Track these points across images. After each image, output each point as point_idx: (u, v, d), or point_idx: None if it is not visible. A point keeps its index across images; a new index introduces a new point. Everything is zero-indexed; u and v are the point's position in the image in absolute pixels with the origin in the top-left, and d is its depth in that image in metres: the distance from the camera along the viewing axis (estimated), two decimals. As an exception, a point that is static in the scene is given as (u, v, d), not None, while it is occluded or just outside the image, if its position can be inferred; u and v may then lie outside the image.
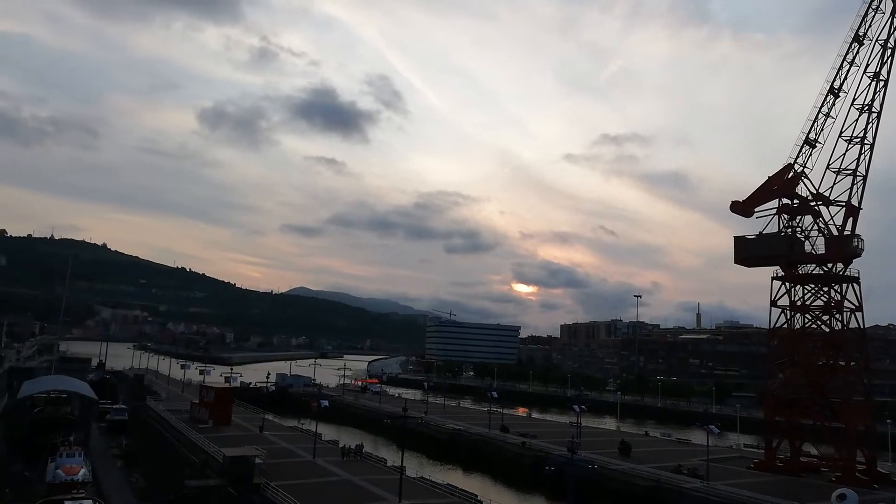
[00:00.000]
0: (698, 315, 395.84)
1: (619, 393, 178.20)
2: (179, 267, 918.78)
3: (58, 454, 60.78)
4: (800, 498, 58.84)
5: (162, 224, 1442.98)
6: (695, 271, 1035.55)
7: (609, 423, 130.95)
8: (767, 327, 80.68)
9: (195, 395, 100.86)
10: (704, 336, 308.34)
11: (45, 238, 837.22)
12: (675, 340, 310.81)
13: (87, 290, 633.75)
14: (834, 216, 75.03)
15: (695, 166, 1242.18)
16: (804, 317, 76.53)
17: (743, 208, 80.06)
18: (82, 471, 57.76)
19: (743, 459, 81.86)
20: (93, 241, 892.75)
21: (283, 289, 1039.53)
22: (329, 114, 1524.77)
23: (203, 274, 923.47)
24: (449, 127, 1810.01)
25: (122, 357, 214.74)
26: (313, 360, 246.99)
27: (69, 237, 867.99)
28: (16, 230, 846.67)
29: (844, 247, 73.20)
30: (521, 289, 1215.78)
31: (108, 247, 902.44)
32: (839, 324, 74.00)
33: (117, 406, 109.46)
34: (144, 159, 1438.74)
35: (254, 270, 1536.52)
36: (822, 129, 75.95)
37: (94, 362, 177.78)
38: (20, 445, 79.25)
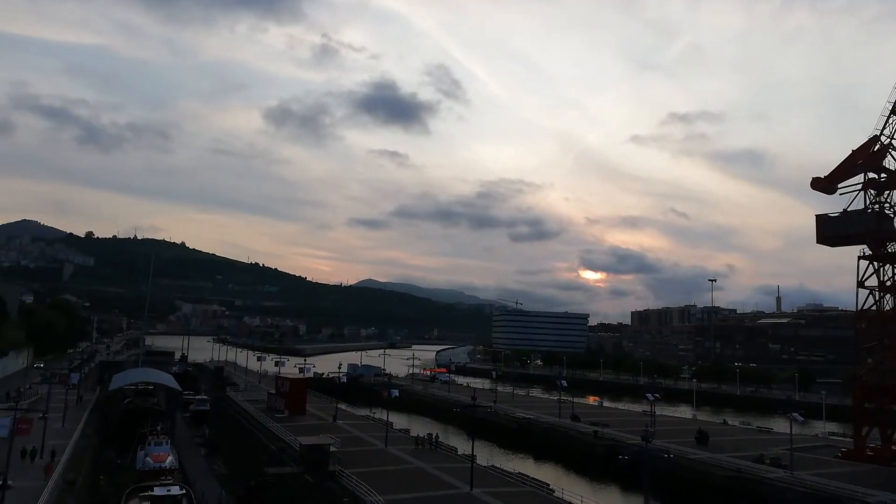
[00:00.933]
0: (778, 298, 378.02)
1: (694, 380, 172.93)
2: (253, 263, 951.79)
3: (146, 443, 64.13)
4: (892, 488, 55.60)
5: (235, 221, 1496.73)
6: (773, 253, 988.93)
7: (684, 412, 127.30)
8: (854, 310, 76.31)
9: (271, 385, 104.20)
10: (785, 320, 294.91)
11: (129, 238, 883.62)
12: (754, 325, 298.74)
13: (168, 287, 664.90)
14: (927, 190, 70.06)
15: (771, 143, 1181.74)
16: (895, 298, 72.01)
17: (825, 184, 75.79)
18: (169, 458, 60.72)
19: (829, 448, 77.99)
20: (172, 241, 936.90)
21: (352, 281, 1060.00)
22: (390, 106, 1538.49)
23: (275, 269, 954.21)
24: (510, 114, 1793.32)
25: (202, 350, 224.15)
26: (382, 350, 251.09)
27: (150, 237, 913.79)
28: (102, 232, 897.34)
29: (939, 222, 68.30)
30: (589, 276, 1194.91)
31: (187, 245, 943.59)
32: (935, 304, 69.21)
33: (199, 397, 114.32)
34: (215, 160, 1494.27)
35: (323, 264, 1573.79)
36: (911, 96, 70.85)
37: (177, 355, 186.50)
38: (112, 434, 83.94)
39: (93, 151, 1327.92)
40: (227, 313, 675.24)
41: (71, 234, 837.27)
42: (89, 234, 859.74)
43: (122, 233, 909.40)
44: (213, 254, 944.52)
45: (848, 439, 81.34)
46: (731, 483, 61.64)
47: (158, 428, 74.51)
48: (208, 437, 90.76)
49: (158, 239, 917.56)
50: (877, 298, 72.97)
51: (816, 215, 77.79)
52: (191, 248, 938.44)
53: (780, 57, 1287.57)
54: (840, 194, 75.69)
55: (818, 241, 77.57)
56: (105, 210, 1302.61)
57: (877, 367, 74.36)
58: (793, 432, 69.53)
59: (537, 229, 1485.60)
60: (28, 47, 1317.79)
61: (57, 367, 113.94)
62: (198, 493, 52.06)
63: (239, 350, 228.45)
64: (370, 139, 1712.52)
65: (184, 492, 46.04)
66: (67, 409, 72.92)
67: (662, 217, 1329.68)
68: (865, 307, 73.87)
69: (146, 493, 43.44)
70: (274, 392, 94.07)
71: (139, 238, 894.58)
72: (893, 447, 70.94)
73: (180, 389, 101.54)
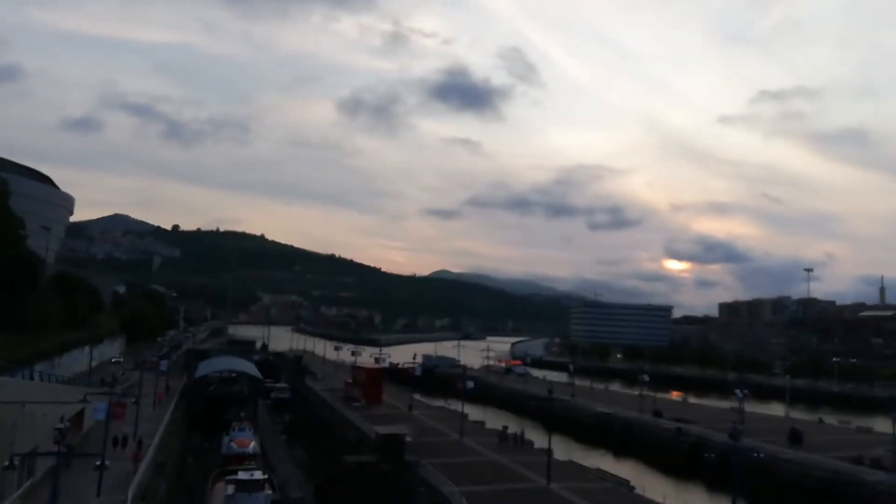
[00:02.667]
0: (882, 289, 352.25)
1: (787, 376, 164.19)
2: (329, 254, 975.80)
3: (231, 429, 66.23)
4: None
5: (312, 213, 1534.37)
6: (877, 240, 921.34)
7: (776, 409, 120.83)
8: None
9: (348, 374, 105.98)
10: (890, 312, 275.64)
11: (212, 231, 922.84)
12: (855, 318, 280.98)
13: (249, 278, 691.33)
14: None
15: (878, 120, 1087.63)
16: None
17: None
18: (252, 444, 62.48)
19: (940, 451, 71.88)
20: (252, 233, 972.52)
21: (425, 272, 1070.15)
22: (463, 93, 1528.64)
23: (350, 260, 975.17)
24: (587, 97, 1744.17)
25: (281, 339, 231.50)
26: (457, 341, 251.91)
27: (232, 229, 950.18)
28: (187, 225, 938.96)
29: None
30: (673, 265, 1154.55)
31: (266, 237, 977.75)
32: None
33: (280, 385, 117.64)
34: (292, 152, 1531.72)
35: (397, 255, 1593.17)
36: None
37: (258, 344, 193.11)
38: (198, 420, 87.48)
39: (176, 146, 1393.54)
40: (304, 304, 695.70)
41: (159, 227, 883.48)
42: (175, 226, 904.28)
43: (206, 225, 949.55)
44: (291, 245, 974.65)
45: (962, 442, 74.73)
46: (827, 485, 57.75)
47: (242, 414, 76.97)
48: (288, 424, 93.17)
49: (239, 231, 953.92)
50: None
51: (926, 199, 71.49)
52: (270, 239, 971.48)
53: (888, 27, 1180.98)
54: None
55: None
56: (189, 203, 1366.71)
57: None
58: (898, 433, 64.46)
59: (617, 217, 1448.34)
60: (117, 48, 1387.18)
61: (148, 356, 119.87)
62: (279, 478, 53.29)
63: (317, 339, 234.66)
64: (443, 127, 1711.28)
65: (266, 476, 47.09)
66: (158, 391, 76.29)
67: (753, 203, 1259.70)
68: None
69: (231, 477, 44.65)
70: (351, 381, 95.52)
71: (221, 230, 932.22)
72: None
73: (262, 377, 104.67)
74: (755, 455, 47.85)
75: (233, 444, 61.91)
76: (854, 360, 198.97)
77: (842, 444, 74.03)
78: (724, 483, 57.63)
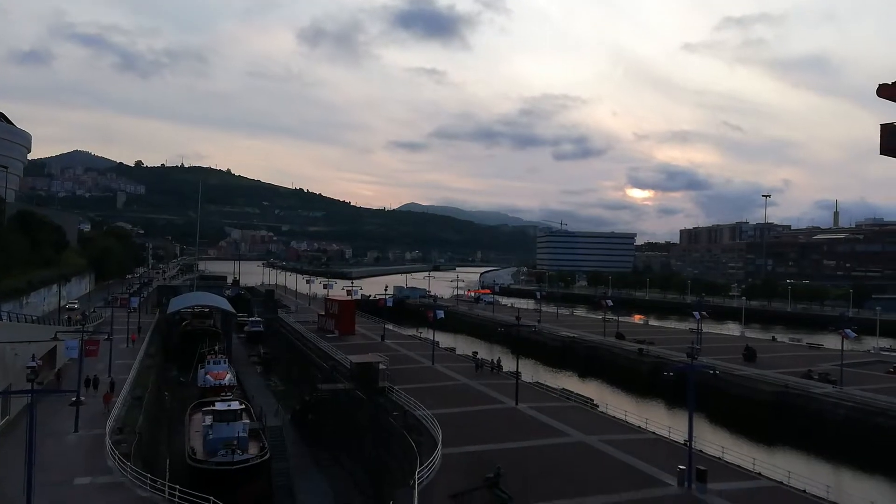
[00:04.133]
0: (836, 213, 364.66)
1: (743, 298, 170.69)
2: (297, 188, 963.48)
3: (206, 362, 67.29)
4: (949, 404, 54.70)
5: (278, 147, 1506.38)
6: (834, 166, 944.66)
7: (733, 330, 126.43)
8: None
9: (321, 307, 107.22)
10: (842, 236, 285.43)
11: (176, 166, 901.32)
12: (809, 241, 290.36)
13: (216, 214, 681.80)
14: None
15: (840, 46, 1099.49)
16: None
17: (892, 92, 70.95)
18: (228, 376, 63.74)
19: (882, 364, 76.82)
20: (218, 168, 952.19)
21: (395, 205, 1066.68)
22: (427, 21, 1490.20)
23: (319, 194, 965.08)
24: (553, 24, 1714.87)
25: (252, 274, 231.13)
26: (427, 273, 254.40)
27: (197, 164, 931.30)
28: (151, 161, 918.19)
29: None
30: (636, 194, 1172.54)
31: (232, 172, 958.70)
32: None
33: (253, 319, 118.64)
34: (253, 84, 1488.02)
35: (366, 188, 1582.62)
36: None
37: (230, 280, 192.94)
38: (173, 355, 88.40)
39: (132, 79, 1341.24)
40: (274, 238, 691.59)
41: (121, 163, 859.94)
42: (138, 162, 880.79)
43: (170, 161, 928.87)
44: (258, 180, 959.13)
45: (902, 355, 79.82)
46: (779, 398, 61.64)
47: (216, 348, 77.94)
48: (263, 356, 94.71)
49: (204, 166, 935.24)
50: (942, 211, 69.57)
51: (881, 125, 73.03)
52: (236, 174, 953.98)
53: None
54: (908, 101, 70.98)
55: (881, 153, 72.69)
56: (151, 139, 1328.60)
57: (938, 282, 71.81)
58: (844, 348, 68.54)
59: (583, 147, 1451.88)
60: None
61: (117, 292, 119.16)
62: (256, 408, 54.80)
63: (288, 274, 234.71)
64: (407, 57, 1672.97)
65: (243, 406, 48.40)
66: (130, 332, 76.64)
67: (715, 131, 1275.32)
68: (929, 220, 70.63)
69: (209, 408, 45.78)
70: (324, 313, 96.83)
71: (186, 166, 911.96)
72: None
73: (235, 312, 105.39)
74: (711, 372, 50.57)
75: (208, 376, 63.06)
76: (807, 282, 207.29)
77: (793, 361, 78.35)
78: (681, 399, 61.07)
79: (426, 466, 33.05)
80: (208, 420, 43.26)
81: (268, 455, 41.20)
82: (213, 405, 45.28)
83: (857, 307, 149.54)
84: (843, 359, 66.63)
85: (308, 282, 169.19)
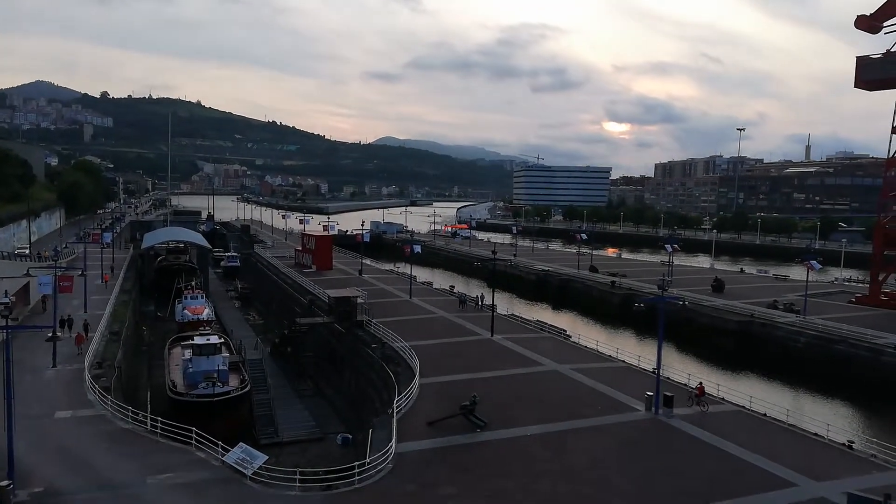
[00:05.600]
0: (808, 147, 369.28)
1: (714, 231, 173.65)
2: (271, 121, 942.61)
3: (183, 297, 67.33)
4: (904, 332, 57.23)
5: (249, 77, 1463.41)
6: (809, 99, 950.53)
7: (703, 262, 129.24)
8: (886, 157, 74.27)
9: (297, 243, 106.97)
10: (812, 169, 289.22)
11: (145, 98, 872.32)
12: (780, 175, 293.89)
13: (188, 147, 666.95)
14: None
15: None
16: (930, 144, 69.75)
17: (870, 23, 70.79)
18: (206, 310, 64.00)
19: (845, 294, 79.55)
20: (188, 99, 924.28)
21: (371, 139, 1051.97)
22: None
23: (293, 127, 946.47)
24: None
25: (227, 209, 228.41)
26: (404, 207, 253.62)
27: (166, 96, 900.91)
28: (117, 92, 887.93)
29: None
30: (613, 128, 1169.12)
31: (203, 104, 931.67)
32: (972, 150, 66.98)
33: (230, 254, 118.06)
34: (221, 9, 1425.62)
35: (341, 121, 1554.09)
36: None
37: (204, 214, 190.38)
38: (149, 290, 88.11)
39: (93, 4, 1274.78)
40: (248, 173, 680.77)
41: (86, 94, 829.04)
42: (104, 94, 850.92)
43: (137, 92, 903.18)
44: (229, 112, 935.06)
45: (864, 286, 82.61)
46: (744, 327, 63.92)
47: (193, 283, 77.83)
48: (241, 291, 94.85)
49: (174, 98, 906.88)
50: (911, 145, 70.73)
51: (857, 57, 73.46)
52: (207, 106, 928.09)
53: None
54: (885, 33, 70.94)
55: (856, 86, 73.91)
56: (117, 69, 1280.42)
57: (902, 214, 73.79)
58: (809, 279, 70.72)
59: (561, 79, 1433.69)
60: None
61: (89, 228, 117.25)
62: (235, 342, 55.37)
63: (263, 209, 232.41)
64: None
65: (222, 340, 48.91)
66: (104, 272, 75.87)
67: (693, 63, 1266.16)
68: (898, 154, 71.85)
69: (188, 342, 46.16)
70: (300, 249, 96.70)
71: (154, 97, 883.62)
72: (908, 293, 72.26)
73: (210, 247, 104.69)
74: (680, 303, 51.85)
75: (186, 311, 63.27)
76: (776, 215, 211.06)
77: (760, 291, 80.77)
78: (652, 329, 62.98)
79: (404, 395, 34.04)
80: (188, 354, 43.73)
81: (248, 387, 41.98)
82: (193, 339, 45.68)
83: (823, 239, 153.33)
84: (808, 289, 68.92)
85: (284, 217, 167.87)
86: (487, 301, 69.91)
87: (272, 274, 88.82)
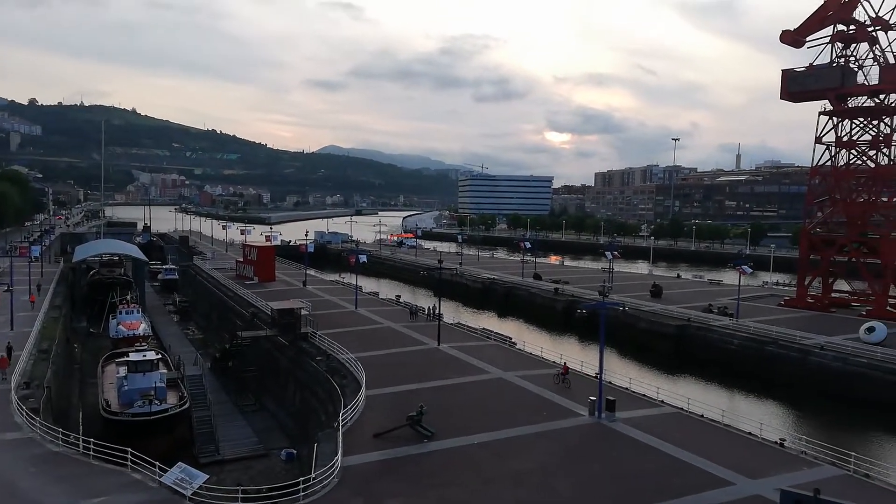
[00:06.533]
0: (738, 156, 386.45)
1: (651, 238, 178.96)
2: (210, 129, 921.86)
3: (118, 312, 64.77)
4: (829, 332, 60.17)
5: (187, 85, 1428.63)
6: (739, 110, 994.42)
7: (642, 268, 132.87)
8: (810, 165, 78.32)
9: (239, 254, 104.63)
10: (743, 177, 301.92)
11: (76, 105, 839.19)
12: (713, 183, 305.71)
13: (123, 156, 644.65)
14: (892, 42, 69.68)
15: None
16: (849, 153, 73.89)
17: (794, 38, 74.60)
18: (142, 325, 61.74)
19: (774, 297, 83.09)
20: (122, 107, 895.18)
21: (314, 148, 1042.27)
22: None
23: (234, 135, 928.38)
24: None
25: (165, 220, 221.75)
26: (349, 217, 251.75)
27: (99, 103, 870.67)
28: (47, 98, 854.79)
29: (900, 76, 68.64)
30: (555, 137, 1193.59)
31: (138, 111, 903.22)
32: (886, 159, 71.28)
33: (167, 266, 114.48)
34: (155, 14, 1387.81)
35: (284, 130, 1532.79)
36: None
37: (140, 226, 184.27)
38: (81, 305, 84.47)
39: (17, 6, 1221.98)
40: (187, 182, 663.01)
41: (13, 100, 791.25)
42: (32, 100, 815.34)
43: (68, 99, 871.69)
44: (166, 120, 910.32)
45: (792, 289, 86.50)
46: (682, 331, 65.96)
47: (128, 297, 75.00)
48: (179, 304, 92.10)
49: (107, 105, 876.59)
50: (832, 154, 74.78)
51: (782, 70, 77.23)
52: (142, 114, 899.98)
53: None
54: (808, 48, 74.94)
55: (782, 97, 77.63)
56: (46, 74, 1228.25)
57: (825, 220, 77.80)
58: (741, 283, 73.62)
59: (503, 89, 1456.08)
60: None
61: (16, 241, 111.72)
62: (173, 357, 53.59)
63: (203, 219, 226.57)
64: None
65: (159, 356, 47.24)
66: (33, 282, 72.44)
67: (630, 75, 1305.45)
68: (821, 163, 75.81)
69: (122, 359, 44.42)
70: (242, 260, 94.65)
71: (87, 105, 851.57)
72: (833, 295, 76.13)
73: (147, 259, 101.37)
74: (621, 308, 53.19)
75: (121, 326, 60.88)
76: (710, 222, 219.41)
77: (695, 296, 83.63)
78: (594, 335, 64.26)
79: (350, 408, 33.65)
80: (123, 371, 42.09)
81: (187, 404, 40.69)
82: (128, 356, 44.02)
83: (753, 245, 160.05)
84: (740, 293, 71.76)
85: (224, 227, 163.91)
86: (422, 305, 70.14)
87: (212, 286, 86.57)
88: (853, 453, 28.95)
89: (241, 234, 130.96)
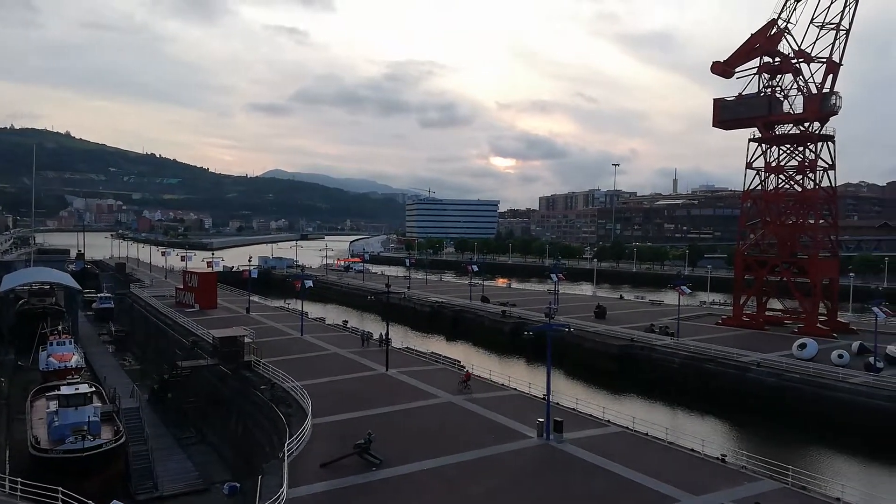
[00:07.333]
0: (675, 181, 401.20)
1: (595, 260, 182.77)
2: (149, 153, 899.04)
3: (48, 343, 61.68)
4: (763, 348, 62.45)
5: (125, 108, 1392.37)
6: (675, 137, 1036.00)
7: (586, 290, 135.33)
8: (742, 189, 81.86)
9: (179, 281, 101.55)
10: (680, 201, 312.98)
11: (6, 128, 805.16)
12: (652, 207, 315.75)
13: (55, 181, 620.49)
14: (814, 73, 74.07)
15: (683, 24, 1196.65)
16: (778, 178, 77.59)
17: (724, 69, 78.41)
18: (74, 357, 58.92)
19: (712, 317, 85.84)
20: (55, 130, 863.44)
21: (258, 172, 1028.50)
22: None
23: (174, 159, 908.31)
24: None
25: (100, 247, 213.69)
26: (294, 242, 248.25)
27: (30, 126, 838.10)
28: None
29: (822, 105, 72.82)
30: (500, 162, 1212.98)
31: (72, 134, 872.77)
32: (812, 183, 75.14)
33: (102, 295, 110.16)
34: (93, 35, 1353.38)
35: (226, 153, 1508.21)
36: (809, -20, 72.96)
37: (73, 253, 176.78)
38: (8, 337, 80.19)
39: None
40: (124, 207, 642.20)
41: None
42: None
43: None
44: (102, 144, 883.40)
45: (728, 308, 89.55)
46: (625, 350, 67.32)
47: (59, 328, 71.59)
48: (115, 334, 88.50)
49: (39, 128, 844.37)
50: (762, 179, 78.39)
51: (714, 99, 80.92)
52: (77, 137, 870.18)
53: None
54: (737, 78, 78.81)
55: (714, 125, 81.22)
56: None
57: (758, 242, 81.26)
58: (680, 303, 75.84)
59: (449, 114, 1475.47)
60: None
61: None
62: (108, 390, 51.31)
63: (141, 245, 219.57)
64: (266, 14, 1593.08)
65: (93, 389, 45.12)
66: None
67: (572, 101, 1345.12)
68: (752, 187, 79.35)
69: (53, 393, 42.27)
70: (182, 287, 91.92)
71: (17, 128, 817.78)
72: (767, 313, 79.27)
73: (80, 288, 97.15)
74: (566, 330, 53.61)
75: (51, 359, 57.96)
76: (650, 244, 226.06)
77: (637, 316, 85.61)
78: (541, 356, 64.82)
79: (296, 438, 32.84)
80: (53, 406, 40.04)
81: (123, 439, 38.91)
82: (59, 389, 41.93)
83: (692, 266, 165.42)
84: (680, 313, 73.88)
85: (164, 254, 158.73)
86: (370, 330, 69.31)
87: (150, 315, 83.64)
88: (791, 466, 29.94)
89: (182, 260, 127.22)
